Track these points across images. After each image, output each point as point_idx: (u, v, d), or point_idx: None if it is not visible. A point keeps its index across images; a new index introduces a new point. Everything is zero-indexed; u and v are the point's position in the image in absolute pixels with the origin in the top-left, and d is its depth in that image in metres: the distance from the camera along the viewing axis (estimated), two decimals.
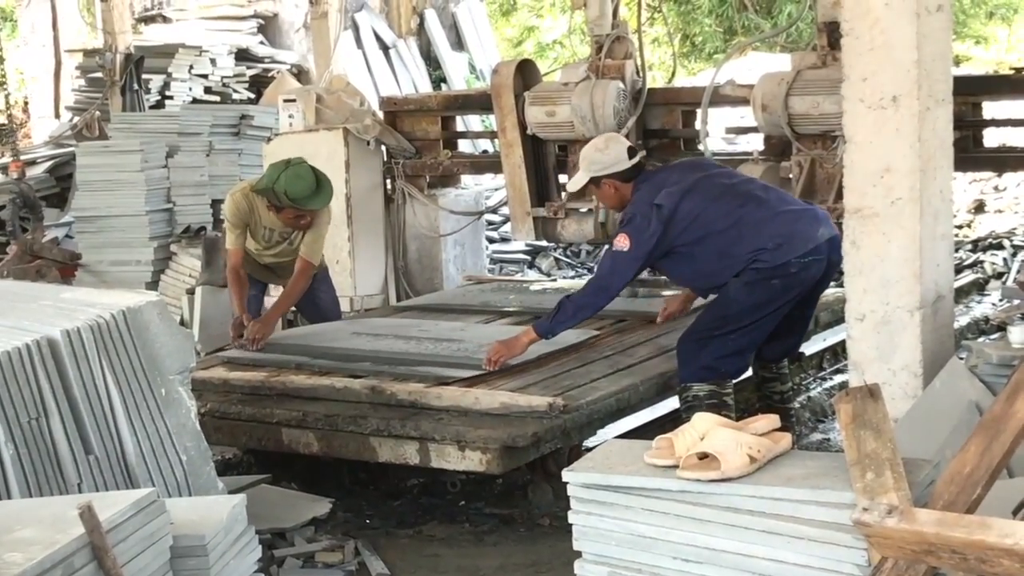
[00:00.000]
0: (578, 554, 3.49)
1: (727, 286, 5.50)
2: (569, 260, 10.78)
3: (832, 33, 6.55)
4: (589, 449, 4.91)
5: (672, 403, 6.07)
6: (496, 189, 10.41)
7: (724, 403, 5.42)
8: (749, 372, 5.89)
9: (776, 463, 3.31)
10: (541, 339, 5.57)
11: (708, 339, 5.45)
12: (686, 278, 5.85)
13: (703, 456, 3.28)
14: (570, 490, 3.45)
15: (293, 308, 7.25)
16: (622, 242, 5.42)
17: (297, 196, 6.26)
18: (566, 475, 3.46)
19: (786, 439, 3.41)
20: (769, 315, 5.46)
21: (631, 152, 5.61)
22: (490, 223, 10.74)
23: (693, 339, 5.51)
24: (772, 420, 3.48)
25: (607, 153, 5.61)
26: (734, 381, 5.63)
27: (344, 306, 7.60)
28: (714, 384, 5.45)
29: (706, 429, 3.37)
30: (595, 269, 5.64)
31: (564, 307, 5.51)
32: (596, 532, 3.42)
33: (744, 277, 5.40)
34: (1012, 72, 8.08)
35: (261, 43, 13.94)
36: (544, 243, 9.60)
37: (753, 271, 5.37)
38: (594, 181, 5.64)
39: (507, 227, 9.62)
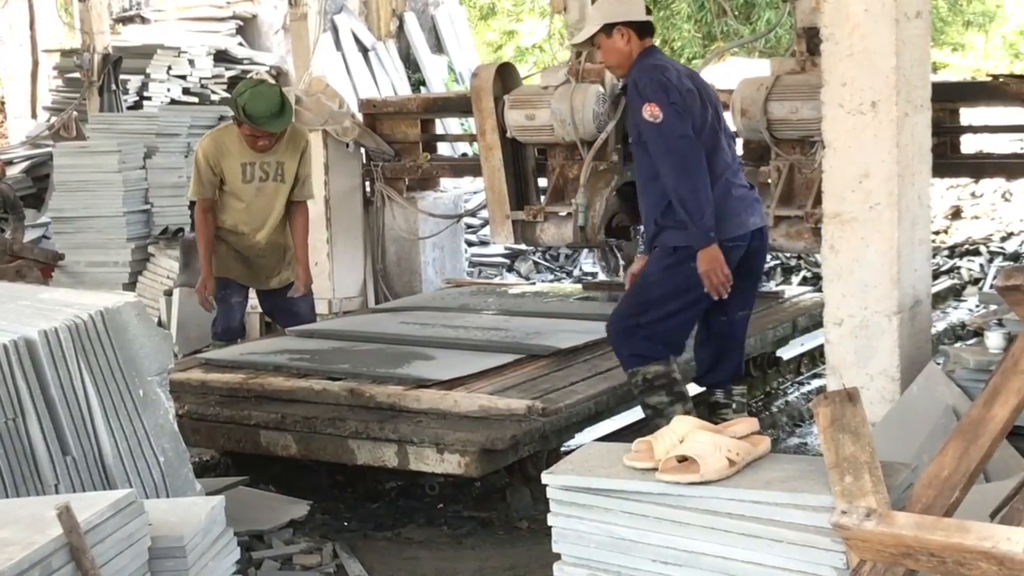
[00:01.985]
0: (557, 557, 3.49)
1: (646, 272, 5.31)
2: (548, 264, 10.79)
3: (811, 39, 6.58)
4: (567, 452, 4.92)
5: None
6: (475, 192, 10.41)
7: (674, 380, 5.29)
8: (699, 388, 5.71)
9: (755, 466, 3.32)
10: (711, 245, 5.07)
11: (634, 327, 5.28)
12: (640, 177, 5.41)
13: (682, 459, 3.28)
14: (549, 492, 3.45)
15: (267, 319, 7.25)
16: (653, 111, 5.07)
17: (254, 114, 6.23)
18: (546, 477, 3.46)
19: (765, 442, 3.41)
20: (691, 303, 5.26)
21: (647, 9, 5.41)
22: (469, 226, 10.74)
23: (620, 326, 5.34)
24: (751, 424, 3.48)
25: (625, 1, 5.33)
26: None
27: (322, 308, 7.60)
28: (660, 364, 5.28)
29: (685, 432, 3.37)
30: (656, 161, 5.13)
31: (685, 210, 5.06)
32: (575, 535, 3.42)
33: (662, 260, 5.25)
34: (990, 79, 8.11)
35: (240, 44, 13.91)
36: (523, 247, 9.61)
37: (674, 250, 5.18)
38: (606, 30, 5.29)
39: (486, 230, 9.63)
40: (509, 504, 5.37)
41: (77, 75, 12.37)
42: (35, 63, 15.25)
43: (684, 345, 5.46)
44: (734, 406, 5.52)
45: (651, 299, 5.27)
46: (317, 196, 7.76)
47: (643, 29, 5.32)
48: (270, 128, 6.32)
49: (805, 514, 3.09)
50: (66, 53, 13.47)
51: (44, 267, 8.74)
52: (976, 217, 10.64)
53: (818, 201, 5.74)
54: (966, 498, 3.00)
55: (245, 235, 6.67)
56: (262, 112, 6.28)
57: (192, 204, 7.13)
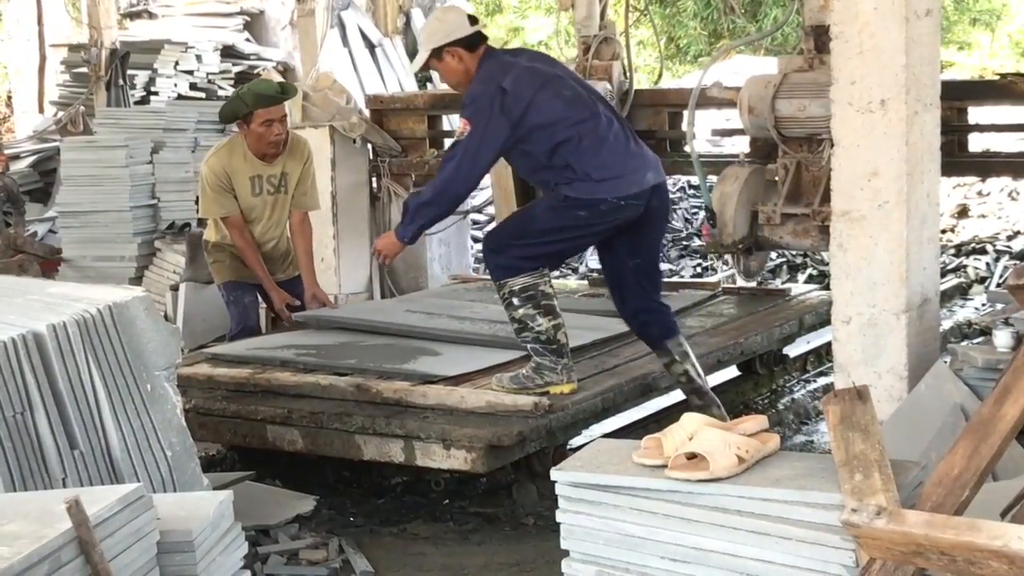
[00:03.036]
0: (564, 553, 3.49)
1: (535, 203, 5.42)
2: None
3: (819, 37, 6.58)
4: (574, 449, 4.93)
5: (656, 404, 6.09)
6: (482, 188, 10.39)
7: (543, 293, 5.25)
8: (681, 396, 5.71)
9: (764, 464, 3.31)
10: (399, 242, 5.33)
11: (507, 247, 5.26)
12: (523, 171, 5.55)
13: (691, 456, 3.28)
14: (558, 489, 3.45)
15: (271, 314, 7.24)
16: (463, 129, 5.10)
17: (264, 92, 6.51)
18: (554, 474, 3.45)
19: (774, 440, 3.41)
20: (570, 240, 5.30)
21: (472, 19, 5.33)
22: (475, 223, 10.73)
23: (492, 246, 5.33)
24: (760, 421, 3.48)
25: (446, 21, 5.29)
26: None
27: None
28: (528, 276, 5.24)
29: (695, 429, 3.37)
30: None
31: (407, 208, 5.28)
32: (584, 531, 3.42)
33: (552, 200, 5.23)
34: (997, 78, 8.10)
35: (247, 40, 13.90)
36: None
37: (564, 198, 5.15)
38: (436, 54, 5.25)
39: (492, 227, 9.61)
40: (515, 500, 5.37)
41: (84, 70, 12.37)
42: (42, 58, 15.23)
43: (557, 264, 5.56)
44: (714, 407, 5.39)
45: (530, 229, 5.27)
46: (324, 191, 7.75)
47: (471, 42, 5.27)
48: (284, 97, 6.58)
49: (815, 512, 3.09)
50: (73, 48, 13.46)
51: (44, 262, 8.77)
52: (983, 216, 10.62)
53: (825, 199, 5.73)
54: (976, 497, 3.00)
55: (254, 223, 6.73)
56: (269, 90, 6.54)
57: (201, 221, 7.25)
